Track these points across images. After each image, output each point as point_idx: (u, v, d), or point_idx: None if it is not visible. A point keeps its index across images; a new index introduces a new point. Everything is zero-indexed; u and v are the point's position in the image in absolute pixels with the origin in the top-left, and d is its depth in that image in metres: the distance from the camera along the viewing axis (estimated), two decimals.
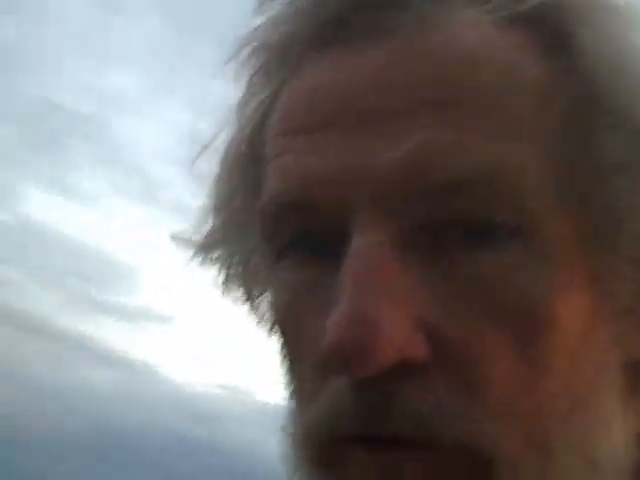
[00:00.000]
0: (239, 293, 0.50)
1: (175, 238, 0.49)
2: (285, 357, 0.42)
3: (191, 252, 0.48)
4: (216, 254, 0.48)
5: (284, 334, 0.41)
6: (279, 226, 0.39)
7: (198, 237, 0.48)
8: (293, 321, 0.39)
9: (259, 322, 0.50)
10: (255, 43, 0.42)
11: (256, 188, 0.41)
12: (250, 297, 0.49)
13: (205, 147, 0.46)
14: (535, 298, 0.35)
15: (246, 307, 0.50)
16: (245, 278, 0.49)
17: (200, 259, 0.49)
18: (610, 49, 0.37)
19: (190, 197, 0.47)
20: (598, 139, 0.36)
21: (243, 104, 0.44)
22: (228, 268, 0.48)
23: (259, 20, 0.41)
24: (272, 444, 0.43)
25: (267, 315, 0.49)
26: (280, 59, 0.41)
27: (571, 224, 0.36)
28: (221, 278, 0.49)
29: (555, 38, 0.38)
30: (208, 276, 0.49)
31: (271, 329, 0.48)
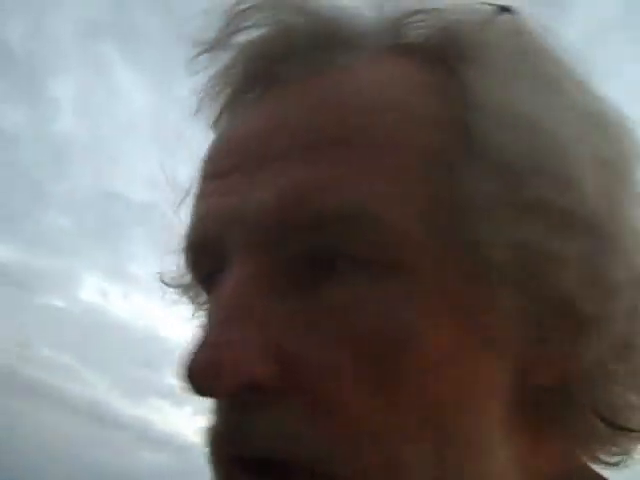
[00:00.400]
0: None
1: (160, 278, 0.52)
2: None
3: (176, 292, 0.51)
4: (191, 293, 0.51)
5: None
6: (192, 265, 0.41)
7: (178, 277, 0.50)
8: None
9: None
10: (208, 94, 0.45)
11: None
12: None
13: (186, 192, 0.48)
14: (391, 328, 0.34)
15: None
16: None
17: (183, 298, 0.51)
18: (494, 94, 0.37)
19: None
20: (467, 179, 0.36)
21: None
22: (200, 306, 0.51)
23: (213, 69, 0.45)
24: None
25: None
26: (219, 111, 0.46)
27: (441, 257, 0.36)
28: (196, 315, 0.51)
29: (447, 75, 0.39)
30: None
31: None
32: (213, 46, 0.42)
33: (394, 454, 0.34)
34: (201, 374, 0.34)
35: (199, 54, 0.43)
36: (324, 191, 0.35)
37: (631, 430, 0.40)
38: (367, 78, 0.39)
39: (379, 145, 0.36)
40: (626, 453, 0.42)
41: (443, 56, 0.39)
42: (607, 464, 0.43)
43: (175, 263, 0.48)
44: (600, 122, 0.38)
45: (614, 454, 0.42)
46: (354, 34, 0.41)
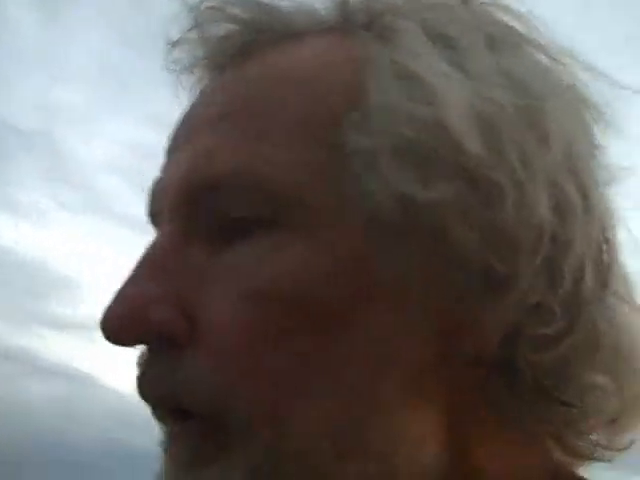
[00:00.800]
0: None
1: None
2: None
3: None
4: None
5: None
6: (155, 231, 0.44)
7: None
8: None
9: None
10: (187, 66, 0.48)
11: None
12: None
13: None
14: (288, 284, 0.36)
15: None
16: None
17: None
18: (390, 59, 0.40)
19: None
20: (354, 137, 0.38)
21: None
22: None
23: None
24: None
25: None
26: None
27: (336, 213, 0.37)
28: None
29: (360, 47, 0.41)
30: None
31: None
32: (178, 43, 0.46)
33: (288, 405, 0.36)
34: (109, 324, 0.37)
35: (169, 51, 0.47)
36: (214, 158, 0.38)
37: (578, 406, 0.39)
38: (279, 56, 0.42)
39: (271, 113, 0.39)
40: (612, 444, 0.42)
41: (361, 31, 0.42)
42: (594, 459, 0.42)
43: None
44: (516, 81, 0.39)
45: (598, 445, 0.42)
46: (302, 23, 0.44)
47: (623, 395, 0.40)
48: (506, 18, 0.43)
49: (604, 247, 0.41)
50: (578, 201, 0.39)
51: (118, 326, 0.37)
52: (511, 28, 0.43)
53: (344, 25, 0.44)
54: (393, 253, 0.37)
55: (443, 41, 0.40)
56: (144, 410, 0.41)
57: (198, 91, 0.47)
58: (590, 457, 0.42)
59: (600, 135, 0.43)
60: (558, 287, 0.38)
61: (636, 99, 0.43)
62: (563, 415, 0.39)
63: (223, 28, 0.45)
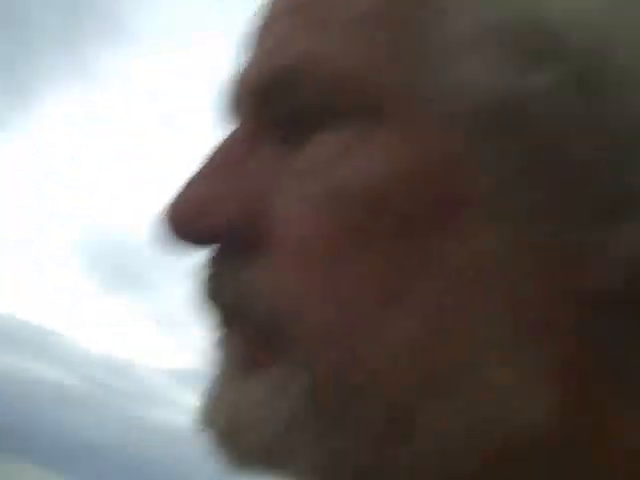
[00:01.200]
0: None
1: None
2: None
3: None
4: None
5: None
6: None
7: None
8: None
9: None
10: None
11: None
12: None
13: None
14: (367, 186, 0.33)
15: None
16: None
17: None
18: None
19: None
20: (435, 22, 0.34)
21: None
22: None
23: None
24: None
25: None
26: None
27: (417, 107, 0.34)
28: None
29: None
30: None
31: None
32: None
33: (365, 321, 0.32)
34: (173, 219, 0.36)
35: None
36: (286, 46, 0.37)
37: None
38: None
39: (347, 2, 0.36)
40: None
41: None
42: None
43: None
44: None
45: None
46: None
47: None
48: None
49: None
50: None
51: (183, 221, 0.36)
52: None
53: None
54: (490, 154, 0.32)
55: None
56: None
57: None
58: None
59: None
60: None
61: None
62: None
63: None
